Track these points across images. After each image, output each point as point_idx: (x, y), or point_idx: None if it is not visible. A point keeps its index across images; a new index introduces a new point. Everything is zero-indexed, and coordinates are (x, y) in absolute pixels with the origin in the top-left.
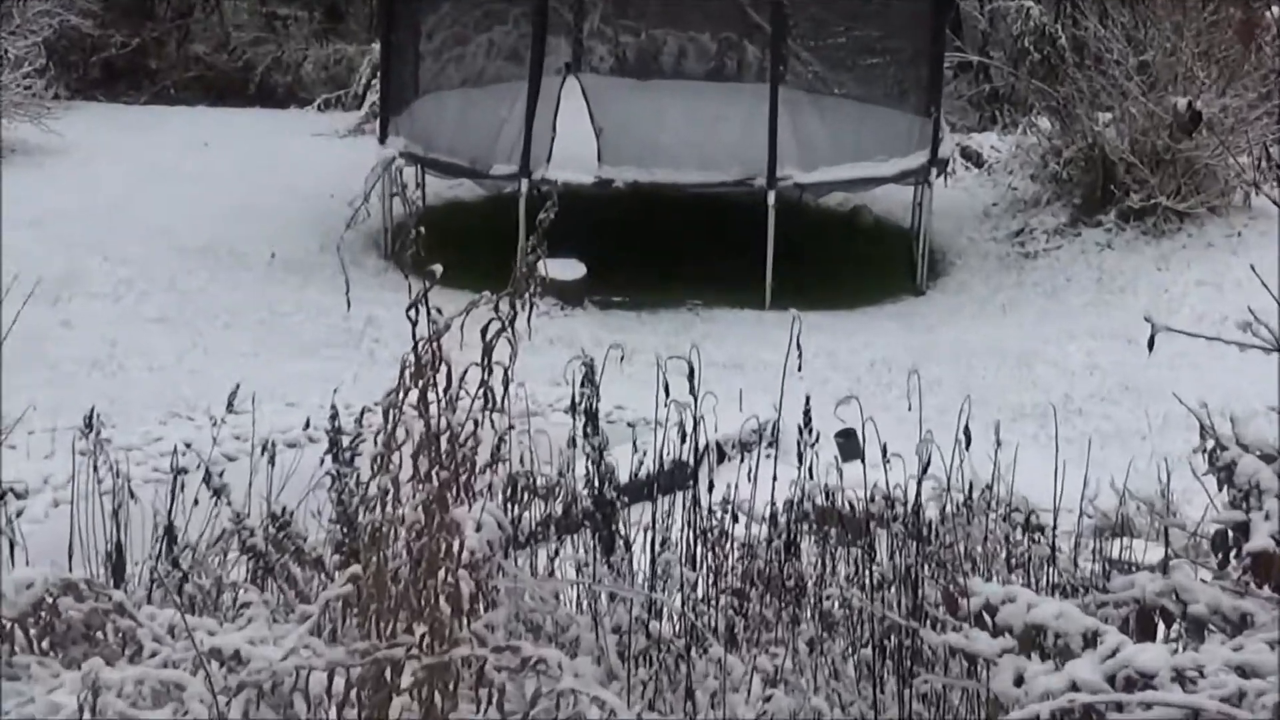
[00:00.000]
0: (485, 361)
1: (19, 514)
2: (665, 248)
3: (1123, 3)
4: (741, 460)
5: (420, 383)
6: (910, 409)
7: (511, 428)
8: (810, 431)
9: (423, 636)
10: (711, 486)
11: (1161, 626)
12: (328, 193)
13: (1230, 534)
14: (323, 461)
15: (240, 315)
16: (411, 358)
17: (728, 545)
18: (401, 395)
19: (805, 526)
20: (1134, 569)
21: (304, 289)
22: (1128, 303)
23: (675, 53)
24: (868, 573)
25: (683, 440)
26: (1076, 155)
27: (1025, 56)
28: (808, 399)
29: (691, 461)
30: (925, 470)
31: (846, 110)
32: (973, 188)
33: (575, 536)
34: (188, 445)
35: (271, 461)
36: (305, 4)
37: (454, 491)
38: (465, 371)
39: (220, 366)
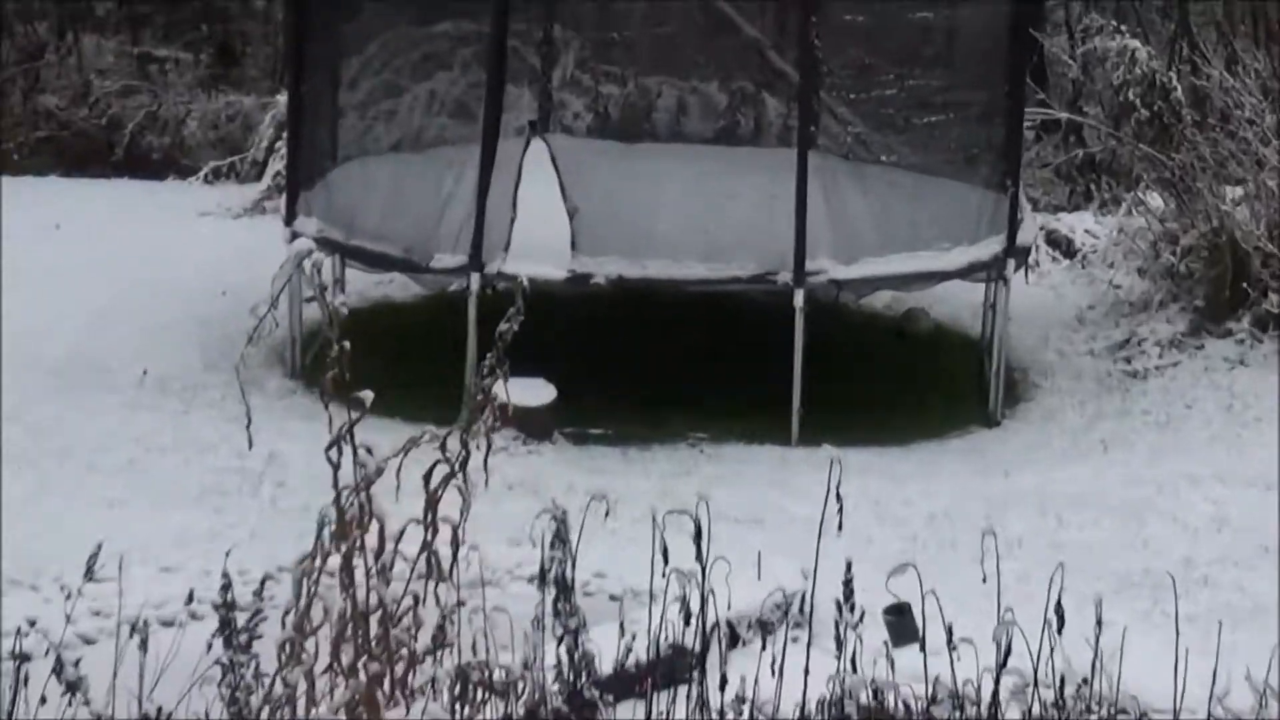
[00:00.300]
0: (428, 517)
1: None
2: (660, 364)
3: (1257, 44)
4: (762, 646)
5: (343, 545)
6: (983, 579)
7: (461, 603)
8: (852, 608)
9: None
10: (723, 681)
11: None
12: (217, 290)
13: None
14: (210, 646)
15: (103, 452)
16: (332, 511)
17: None
18: (318, 560)
19: None
20: None
21: (185, 417)
22: (1266, 437)
23: (673, 108)
24: None
25: (685, 619)
26: (1198, 243)
27: (1130, 113)
28: (849, 565)
29: (696, 647)
30: (1005, 660)
31: (897, 183)
32: (1062, 285)
33: None
34: (32, 624)
35: (143, 646)
36: (189, 43)
37: (386, 689)
38: (403, 530)
39: (77, 519)
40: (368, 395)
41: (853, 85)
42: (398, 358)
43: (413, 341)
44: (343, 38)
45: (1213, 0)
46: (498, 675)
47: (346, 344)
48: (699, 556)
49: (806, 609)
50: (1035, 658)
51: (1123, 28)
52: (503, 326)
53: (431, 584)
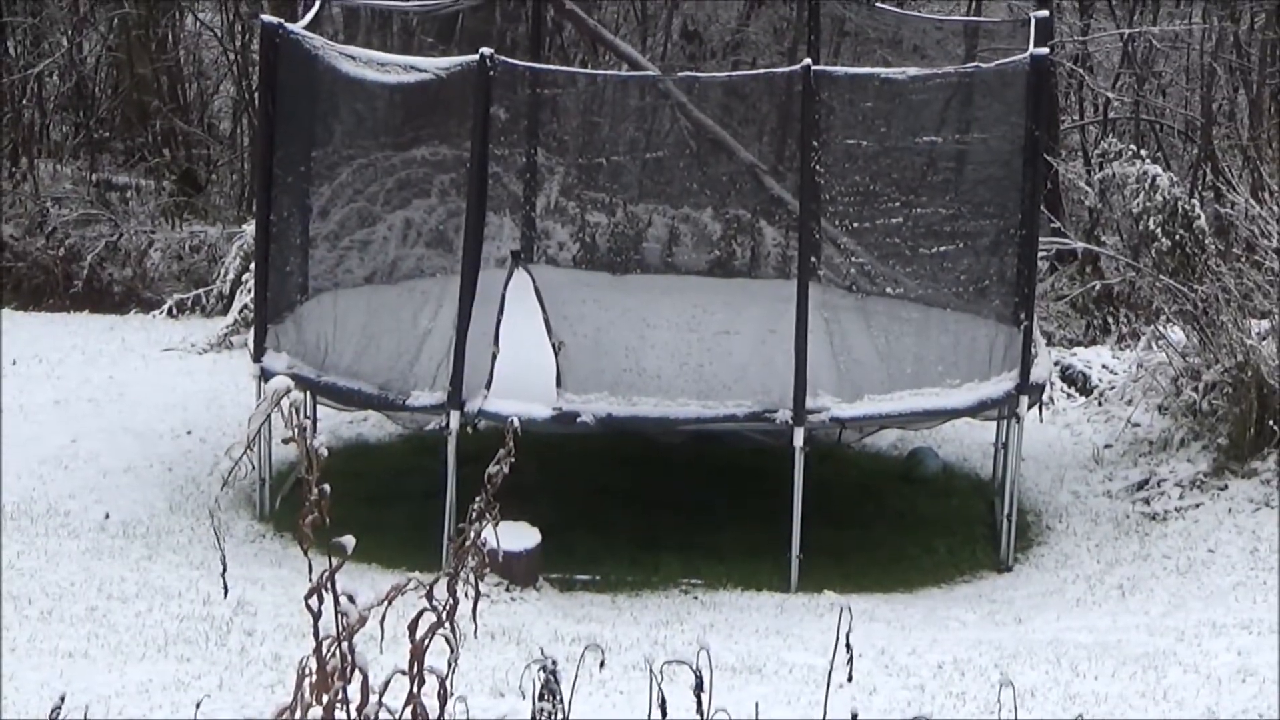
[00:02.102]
0: (414, 668)
1: None
2: (651, 506)
3: None
4: None
5: (325, 696)
6: None
7: None
8: None
9: None
10: None
11: None
12: (182, 430)
13: None
14: None
15: (63, 600)
16: (312, 662)
17: None
18: (298, 713)
19: None
20: None
21: (149, 563)
22: None
23: (664, 237)
24: None
25: None
26: (1221, 378)
27: (1150, 243)
28: (854, 717)
29: None
30: None
31: (903, 316)
32: (1078, 423)
33: None
34: None
35: None
36: (151, 170)
37: None
38: (387, 682)
39: (35, 672)
40: (349, 541)
41: (856, 213)
42: (372, 501)
43: (388, 484)
44: (313, 164)
45: (1238, 124)
46: None
47: (327, 487)
48: (700, 709)
49: None
50: None
51: (1142, 152)
52: (492, 469)
53: None
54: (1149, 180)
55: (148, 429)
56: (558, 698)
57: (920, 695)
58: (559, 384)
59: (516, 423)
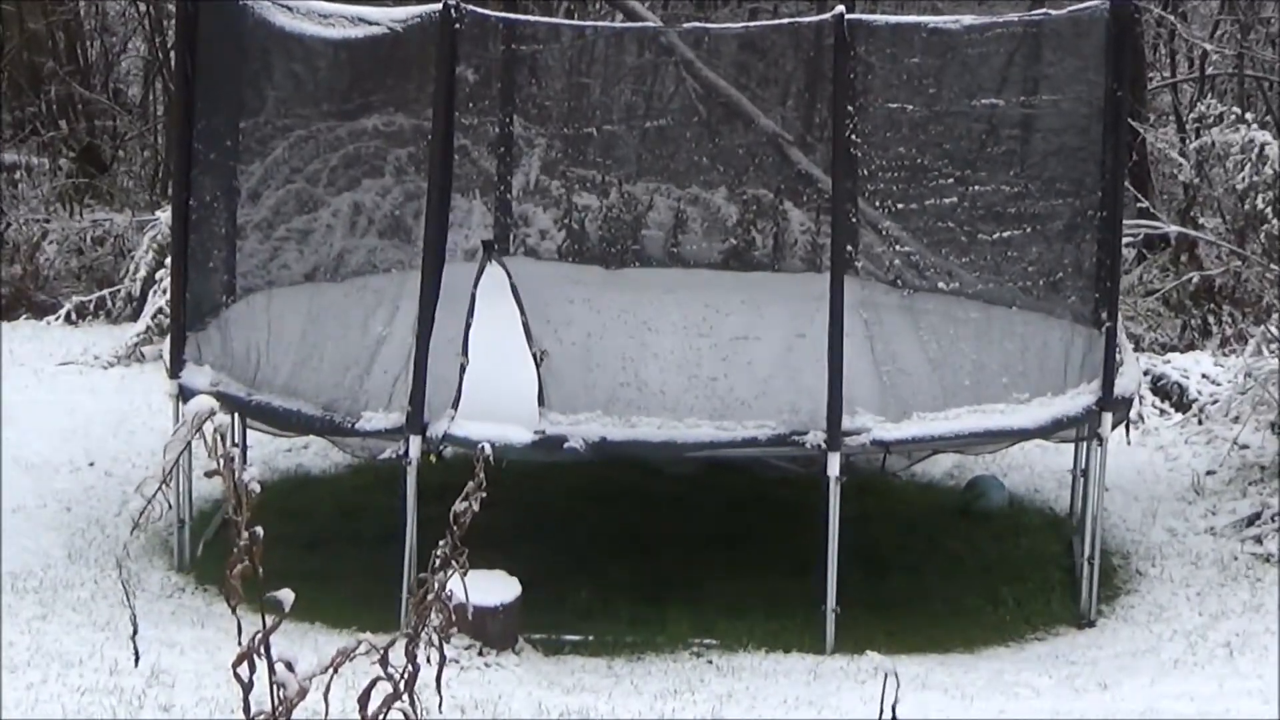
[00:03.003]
0: None
1: None
2: (655, 549)
3: None
4: None
5: None
6: None
7: None
8: None
9: None
10: None
11: None
12: (84, 461)
13: None
14: None
15: None
16: None
17: None
18: None
19: None
20: None
21: (44, 624)
22: None
23: (669, 222)
24: None
25: None
26: None
27: (1258, 225)
28: None
29: None
30: None
31: (960, 317)
32: (1174, 445)
33: None
34: None
35: None
36: (45, 145)
37: None
38: None
39: None
40: (287, 596)
41: (901, 192)
42: (315, 546)
43: (334, 525)
44: (242, 137)
45: None
46: None
47: (259, 530)
48: None
49: None
50: None
51: (1248, 116)
52: (460, 506)
53: None
54: (1256, 149)
55: (42, 460)
56: None
57: None
58: (542, 402)
59: (490, 449)
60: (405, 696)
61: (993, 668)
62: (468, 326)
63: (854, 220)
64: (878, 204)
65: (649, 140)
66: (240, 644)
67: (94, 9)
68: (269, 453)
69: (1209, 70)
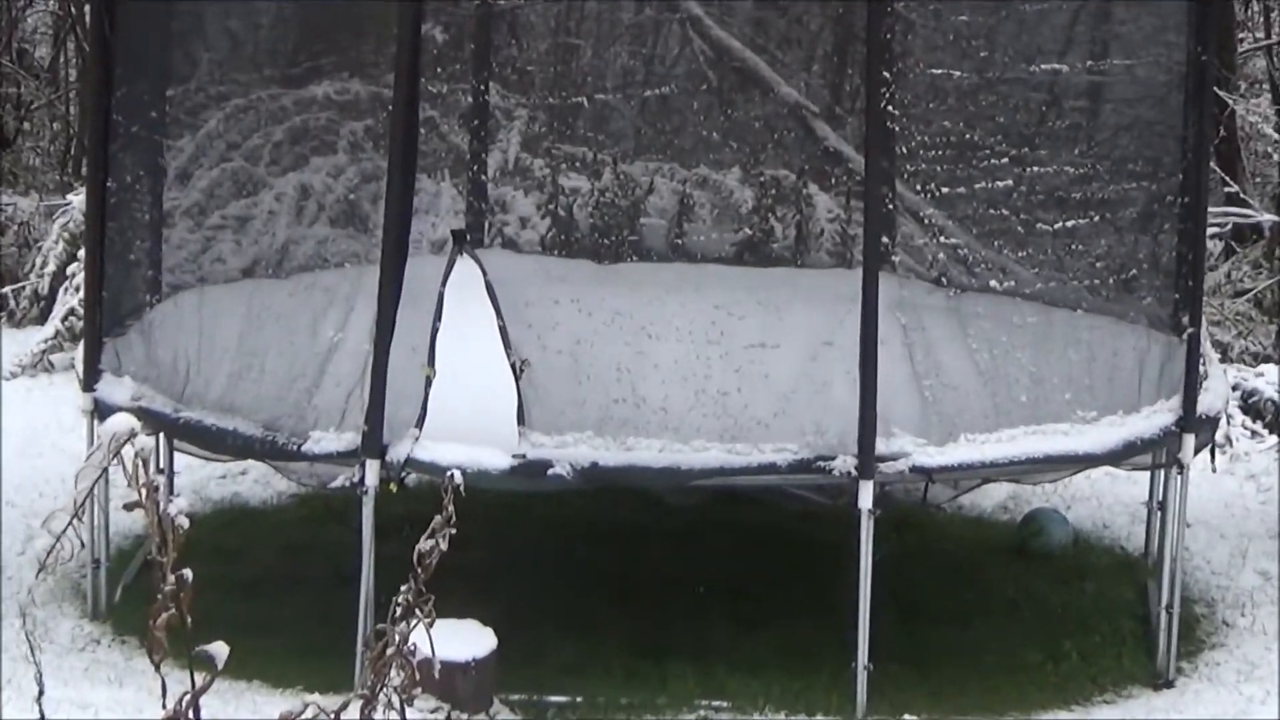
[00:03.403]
0: None
1: None
2: (655, 595)
3: None
4: None
5: None
6: None
7: None
8: None
9: None
10: None
11: None
12: None
13: None
14: None
15: None
16: None
17: None
18: None
19: None
20: None
21: None
22: None
23: (673, 209)
24: None
25: None
26: None
27: None
28: None
29: None
30: None
31: (1016, 322)
32: (1267, 474)
33: None
34: None
35: None
36: None
37: None
38: None
39: None
40: (220, 650)
41: (946, 174)
42: (254, 590)
43: (276, 565)
44: (170, 107)
45: None
46: None
47: (188, 572)
48: None
49: None
50: None
51: None
52: (426, 544)
53: None
54: None
55: None
56: None
57: None
58: (521, 420)
59: (460, 477)
60: None
61: None
62: (435, 331)
63: (891, 207)
64: (919, 187)
65: (649, 112)
66: (165, 706)
67: None
68: (200, 480)
69: None
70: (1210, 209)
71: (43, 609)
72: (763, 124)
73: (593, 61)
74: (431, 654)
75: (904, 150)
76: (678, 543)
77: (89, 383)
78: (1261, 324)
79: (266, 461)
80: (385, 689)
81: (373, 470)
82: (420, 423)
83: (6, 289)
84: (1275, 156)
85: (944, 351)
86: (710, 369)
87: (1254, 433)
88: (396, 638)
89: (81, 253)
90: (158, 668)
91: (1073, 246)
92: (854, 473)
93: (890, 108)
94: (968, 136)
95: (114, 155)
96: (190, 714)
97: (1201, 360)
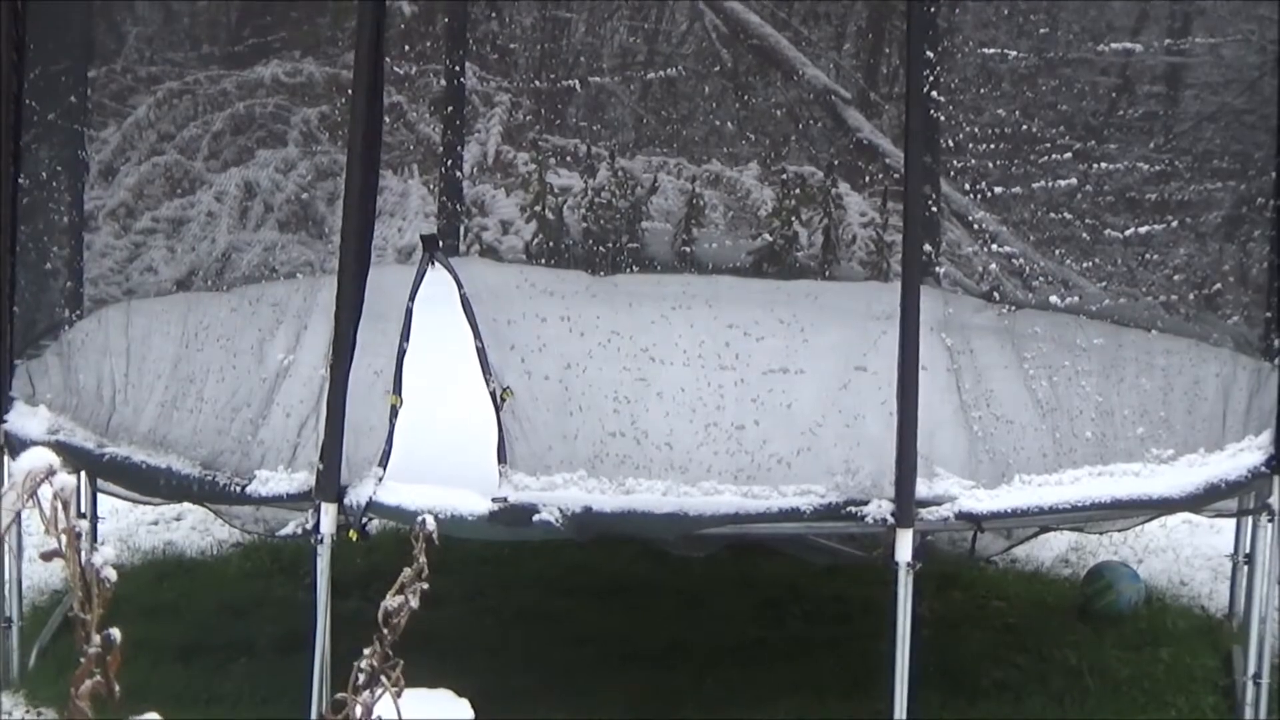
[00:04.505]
0: None
1: None
2: (657, 661)
3: None
4: None
5: None
6: None
7: None
8: None
9: None
10: None
11: None
12: None
13: None
14: None
15: None
16: None
17: None
18: None
19: None
20: None
21: None
22: None
23: (680, 211)
24: None
25: None
26: None
27: None
28: None
29: None
30: None
31: (1080, 345)
32: None
33: None
34: None
35: None
36: None
37: None
38: None
39: None
40: None
41: (999, 171)
42: (192, 654)
43: (218, 626)
44: (92, 90)
45: None
46: None
47: (115, 633)
48: None
49: None
50: None
51: None
52: (392, 601)
53: None
54: None
55: None
56: None
57: None
58: (502, 458)
59: (432, 523)
60: None
61: None
62: (401, 354)
63: (934, 209)
64: (967, 187)
65: (652, 97)
66: None
67: None
68: (128, 526)
69: None
70: None
71: None
72: (785, 112)
73: (586, 38)
74: None
75: (950, 144)
76: (685, 601)
77: None
78: None
79: (205, 505)
80: None
81: (329, 516)
82: (384, 461)
83: None
84: None
85: (996, 379)
86: (723, 399)
87: None
88: (359, 709)
89: None
90: None
91: (1146, 256)
92: (890, 519)
93: (934, 94)
94: (1024, 128)
95: (26, 147)
96: None
97: None
